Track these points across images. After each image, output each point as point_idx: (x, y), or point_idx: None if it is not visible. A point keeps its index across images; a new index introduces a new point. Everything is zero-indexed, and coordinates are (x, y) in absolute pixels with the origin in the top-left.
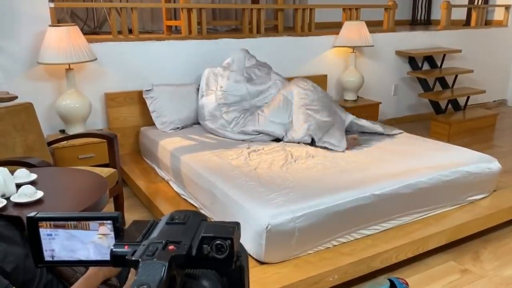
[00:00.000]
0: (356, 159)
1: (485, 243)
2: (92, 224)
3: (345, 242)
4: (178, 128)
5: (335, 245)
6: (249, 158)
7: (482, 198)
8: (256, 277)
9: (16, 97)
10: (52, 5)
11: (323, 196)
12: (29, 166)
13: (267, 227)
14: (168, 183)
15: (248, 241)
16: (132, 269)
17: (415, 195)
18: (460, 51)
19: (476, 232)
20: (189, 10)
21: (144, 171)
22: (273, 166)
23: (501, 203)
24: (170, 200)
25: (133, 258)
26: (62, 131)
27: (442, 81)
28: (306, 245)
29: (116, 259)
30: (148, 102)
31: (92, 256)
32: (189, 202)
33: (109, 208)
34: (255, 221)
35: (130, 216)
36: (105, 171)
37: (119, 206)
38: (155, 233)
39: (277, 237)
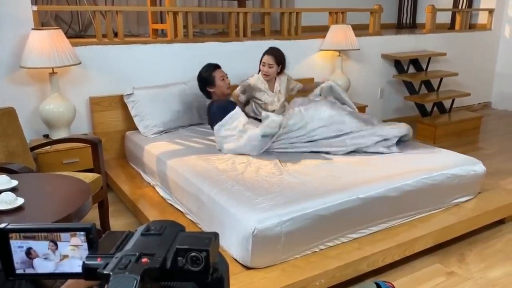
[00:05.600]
0: (342, 162)
1: (471, 245)
2: (64, 235)
3: (332, 246)
4: (162, 131)
5: (322, 249)
6: (237, 162)
7: (467, 200)
8: (243, 282)
9: None
10: (35, 8)
11: (309, 200)
12: (10, 172)
13: (253, 232)
14: (154, 188)
15: (235, 246)
16: None
17: (401, 198)
18: (445, 54)
19: (461, 234)
20: (175, 14)
21: (129, 176)
22: (261, 171)
23: (486, 205)
24: (156, 206)
25: (104, 272)
26: (46, 136)
27: (427, 84)
28: (293, 249)
29: (88, 272)
30: (129, 106)
31: (65, 268)
32: (175, 208)
33: (93, 213)
34: (242, 225)
35: (115, 222)
36: (90, 176)
37: (104, 212)
38: (129, 245)
39: (263, 242)
